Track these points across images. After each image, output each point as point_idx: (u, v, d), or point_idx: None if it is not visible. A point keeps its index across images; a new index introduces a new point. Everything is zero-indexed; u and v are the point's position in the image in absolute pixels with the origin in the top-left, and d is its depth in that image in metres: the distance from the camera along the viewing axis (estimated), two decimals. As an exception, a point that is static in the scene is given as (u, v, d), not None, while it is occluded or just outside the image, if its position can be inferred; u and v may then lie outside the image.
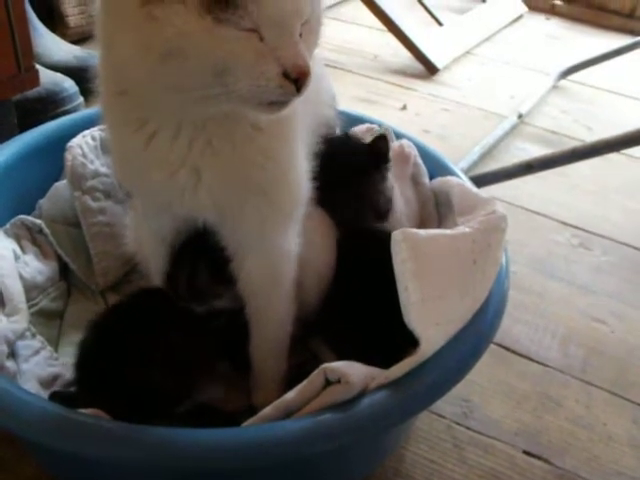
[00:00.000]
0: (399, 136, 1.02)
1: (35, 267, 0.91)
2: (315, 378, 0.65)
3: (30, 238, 0.94)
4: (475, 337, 0.72)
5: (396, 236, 0.70)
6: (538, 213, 1.35)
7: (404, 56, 1.98)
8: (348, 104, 1.14)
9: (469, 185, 0.91)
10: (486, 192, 0.89)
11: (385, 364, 0.67)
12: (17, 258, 0.89)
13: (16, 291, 0.83)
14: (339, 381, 0.63)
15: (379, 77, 1.89)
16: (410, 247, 0.69)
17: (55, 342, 0.88)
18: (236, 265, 0.72)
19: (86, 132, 0.99)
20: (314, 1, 0.56)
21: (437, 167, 0.98)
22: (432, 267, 0.70)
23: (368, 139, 0.90)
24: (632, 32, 2.35)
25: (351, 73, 1.89)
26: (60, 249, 0.95)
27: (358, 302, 0.76)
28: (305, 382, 0.65)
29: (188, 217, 0.71)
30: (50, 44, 1.52)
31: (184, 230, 0.76)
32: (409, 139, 1.00)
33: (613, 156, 1.41)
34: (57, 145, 0.97)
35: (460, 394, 0.90)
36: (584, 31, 2.42)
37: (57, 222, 0.97)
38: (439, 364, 0.67)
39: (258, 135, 0.63)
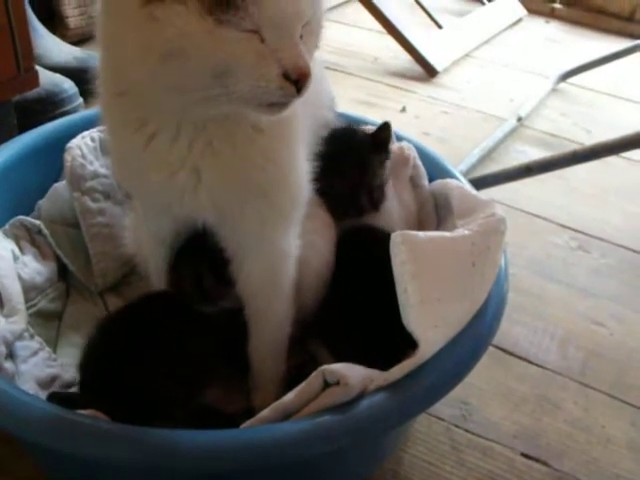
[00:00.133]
0: (399, 138, 1.02)
1: (34, 268, 0.91)
2: (314, 380, 0.65)
3: (29, 239, 0.94)
4: (474, 339, 0.72)
5: (395, 238, 0.70)
6: (537, 216, 1.35)
7: (404, 59, 1.98)
8: (348, 106, 1.14)
9: (468, 187, 0.91)
10: (485, 195, 0.89)
11: (384, 366, 0.67)
12: (16, 259, 0.89)
13: (15, 292, 0.83)
14: (338, 383, 0.63)
15: (379, 79, 1.89)
16: (409, 249, 0.69)
17: (54, 343, 0.88)
18: (235, 266, 0.72)
19: (85, 133, 0.99)
20: (315, 3, 0.56)
21: (436, 169, 0.98)
22: (431, 269, 0.70)
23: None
24: (631, 35, 2.35)
25: (351, 75, 1.89)
26: (59, 250, 0.95)
27: (357, 304, 0.76)
28: (304, 384, 0.65)
29: (188, 218, 0.71)
30: (50, 45, 1.52)
31: (183, 231, 0.76)
32: (409, 141, 1.01)
33: (612, 159, 1.41)
34: (56, 146, 0.97)
35: (459, 396, 0.90)
36: (583, 34, 2.42)
37: (56, 223, 0.97)
38: (438, 366, 0.67)
39: (259, 136, 0.63)
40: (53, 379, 0.79)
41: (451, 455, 0.84)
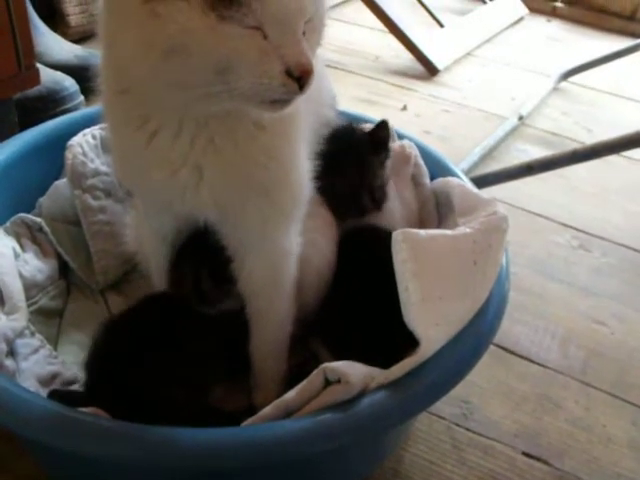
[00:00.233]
0: (400, 137, 1.02)
1: (35, 265, 0.91)
2: (315, 378, 0.65)
3: (30, 236, 0.94)
4: (475, 338, 0.71)
5: (397, 236, 0.70)
6: (538, 215, 1.35)
7: (405, 57, 1.98)
8: (349, 105, 1.14)
9: (470, 186, 0.91)
10: (486, 193, 0.89)
11: (385, 364, 0.67)
12: (17, 256, 0.89)
13: (16, 289, 0.83)
14: (339, 381, 0.63)
15: (380, 78, 1.89)
16: (411, 247, 0.69)
17: (54, 340, 0.88)
18: (237, 265, 0.72)
19: (86, 131, 0.99)
20: (317, 0, 0.56)
21: (438, 168, 0.98)
22: (433, 267, 0.70)
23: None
24: (633, 34, 2.35)
25: (352, 74, 1.89)
26: (60, 247, 0.95)
27: (358, 302, 0.76)
28: (305, 382, 0.65)
29: (189, 216, 0.70)
30: (51, 43, 1.52)
31: (185, 229, 0.76)
32: (410, 140, 1.00)
33: (613, 158, 1.41)
34: (57, 144, 0.97)
35: (460, 395, 0.90)
36: (585, 33, 2.42)
37: (57, 220, 0.97)
38: (439, 365, 0.67)
39: (261, 134, 0.63)
40: (54, 377, 0.79)
41: (452, 454, 0.83)
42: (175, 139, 0.62)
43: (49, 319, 0.90)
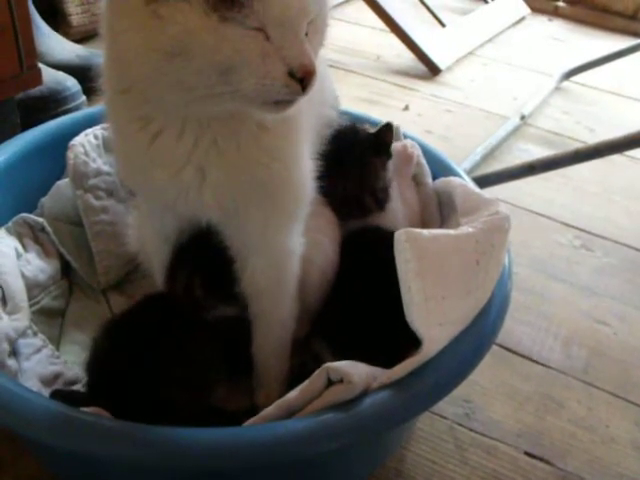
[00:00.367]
0: (403, 136, 1.01)
1: (37, 265, 0.91)
2: (317, 378, 0.65)
3: (32, 236, 0.94)
4: (477, 338, 0.71)
5: (399, 236, 0.70)
6: (540, 214, 1.34)
7: (407, 57, 1.98)
8: (350, 104, 1.14)
9: (472, 186, 0.91)
10: (489, 193, 0.88)
11: (388, 364, 0.67)
12: (19, 256, 0.89)
13: (18, 289, 0.83)
14: (341, 381, 0.63)
15: (382, 78, 1.89)
16: (413, 247, 0.69)
17: (56, 340, 0.88)
18: (240, 265, 0.72)
19: (88, 131, 0.99)
20: (320, 1, 0.56)
21: (440, 167, 0.98)
22: (435, 267, 0.69)
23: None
24: (635, 34, 2.35)
25: (354, 73, 1.89)
26: (62, 247, 0.95)
27: (361, 302, 0.76)
28: (307, 382, 0.65)
29: (192, 216, 0.70)
30: (53, 43, 1.52)
31: (187, 229, 0.76)
32: (413, 139, 1.00)
33: (615, 158, 1.41)
34: (59, 144, 0.97)
35: (462, 395, 0.90)
36: (587, 33, 2.42)
37: (59, 220, 0.97)
38: (441, 364, 0.67)
39: (264, 134, 0.63)
40: (56, 376, 0.79)
41: (454, 454, 0.83)
42: (178, 140, 0.62)
43: (51, 319, 0.90)
